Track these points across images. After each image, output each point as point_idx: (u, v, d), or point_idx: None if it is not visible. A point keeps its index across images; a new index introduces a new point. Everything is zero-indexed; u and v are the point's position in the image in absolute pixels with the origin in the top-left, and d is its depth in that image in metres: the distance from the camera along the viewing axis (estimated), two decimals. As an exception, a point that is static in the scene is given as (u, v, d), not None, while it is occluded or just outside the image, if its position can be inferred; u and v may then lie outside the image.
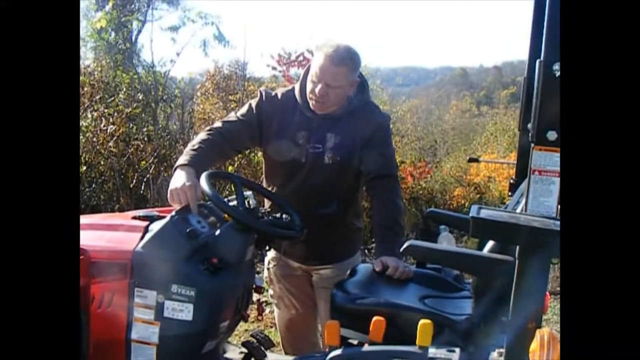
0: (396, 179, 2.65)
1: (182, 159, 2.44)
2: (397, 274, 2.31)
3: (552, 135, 1.58)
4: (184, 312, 2.11)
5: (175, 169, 2.41)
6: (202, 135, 2.59)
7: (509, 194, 2.80)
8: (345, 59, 2.48)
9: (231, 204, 2.33)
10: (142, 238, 2.19)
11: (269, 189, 2.68)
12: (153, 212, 2.41)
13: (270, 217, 2.42)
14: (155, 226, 2.22)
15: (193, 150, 2.48)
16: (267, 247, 2.49)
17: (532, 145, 1.63)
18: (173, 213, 2.24)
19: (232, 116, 2.69)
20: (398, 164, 7.92)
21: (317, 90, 2.48)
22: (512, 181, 2.77)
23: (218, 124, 2.65)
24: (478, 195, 10.26)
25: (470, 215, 1.57)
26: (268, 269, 2.83)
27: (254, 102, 2.65)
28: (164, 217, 2.25)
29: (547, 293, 1.75)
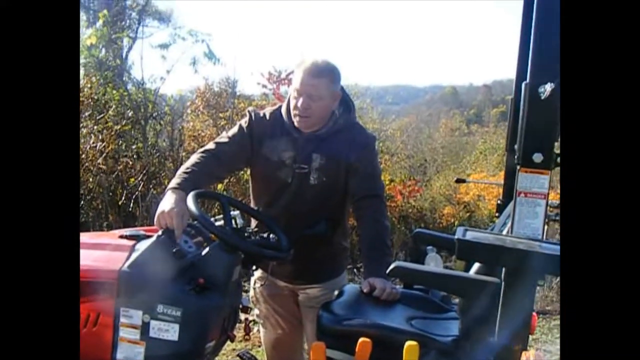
0: (382, 200, 2.64)
1: (174, 182, 2.41)
2: (384, 295, 2.30)
3: (538, 157, 1.60)
4: (169, 332, 2.09)
5: (167, 192, 2.39)
6: (194, 157, 2.57)
7: (497, 214, 2.80)
8: (324, 71, 2.52)
9: (218, 223, 2.32)
10: (128, 257, 2.17)
11: (256, 208, 2.67)
12: (140, 231, 2.39)
13: (257, 237, 2.41)
14: (142, 245, 2.20)
15: (185, 173, 2.46)
16: (254, 267, 2.48)
17: (518, 167, 1.64)
18: (159, 232, 2.22)
19: (223, 137, 2.66)
20: (388, 182, 8.01)
21: (299, 104, 2.49)
22: (499, 202, 2.78)
23: (211, 145, 2.63)
24: (468, 214, 10.30)
25: (456, 237, 1.58)
26: (254, 288, 2.81)
27: (244, 123, 2.64)
28: (150, 237, 2.24)
29: (534, 314, 1.75)
